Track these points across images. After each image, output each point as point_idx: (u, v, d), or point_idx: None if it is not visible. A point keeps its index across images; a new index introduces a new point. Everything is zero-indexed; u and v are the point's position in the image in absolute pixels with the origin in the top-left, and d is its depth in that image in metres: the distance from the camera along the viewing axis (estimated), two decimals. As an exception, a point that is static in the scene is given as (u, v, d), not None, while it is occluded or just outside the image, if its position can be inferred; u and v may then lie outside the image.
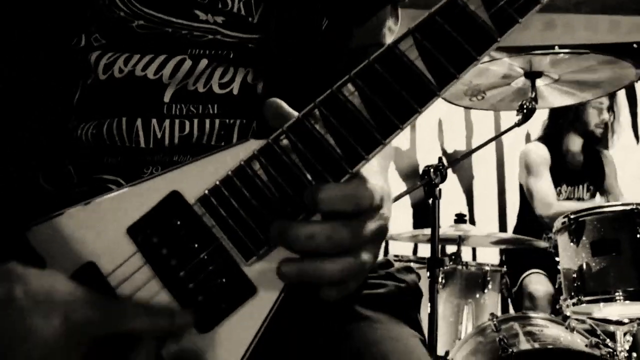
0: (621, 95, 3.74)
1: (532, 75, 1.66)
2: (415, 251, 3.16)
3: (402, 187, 3.52)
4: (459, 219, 2.11)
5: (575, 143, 2.64)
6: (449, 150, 3.71)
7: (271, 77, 0.71)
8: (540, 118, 2.80)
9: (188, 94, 0.67)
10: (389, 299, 0.75)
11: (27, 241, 0.50)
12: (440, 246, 2.91)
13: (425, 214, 3.38)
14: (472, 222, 3.57)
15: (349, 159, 0.50)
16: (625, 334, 1.82)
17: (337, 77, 0.54)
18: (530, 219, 2.59)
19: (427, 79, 0.52)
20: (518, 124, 1.57)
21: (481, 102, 1.88)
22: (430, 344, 1.48)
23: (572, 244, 1.76)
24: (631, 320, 1.81)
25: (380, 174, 0.60)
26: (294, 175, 0.50)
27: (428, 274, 1.53)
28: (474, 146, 3.68)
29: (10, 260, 0.45)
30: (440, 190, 1.46)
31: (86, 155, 0.66)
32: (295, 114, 0.52)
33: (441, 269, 2.05)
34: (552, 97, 1.77)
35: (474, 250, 3.36)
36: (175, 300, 0.50)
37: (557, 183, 2.58)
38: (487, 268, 2.15)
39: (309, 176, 0.50)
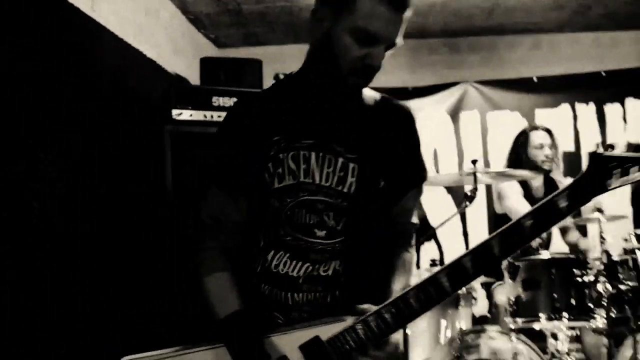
0: (593, 126, 4.34)
1: (474, 174, 2.35)
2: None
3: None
4: (433, 264, 2.80)
5: (536, 178, 3.24)
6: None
7: (348, 265, 1.34)
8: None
9: (310, 277, 1.32)
10: None
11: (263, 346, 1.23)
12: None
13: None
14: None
15: (384, 337, 1.19)
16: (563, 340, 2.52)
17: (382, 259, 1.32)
18: None
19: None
20: (465, 207, 2.26)
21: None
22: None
23: (510, 280, 2.46)
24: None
25: None
26: (363, 343, 1.19)
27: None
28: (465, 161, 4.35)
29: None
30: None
31: (268, 304, 1.36)
32: (372, 309, 1.19)
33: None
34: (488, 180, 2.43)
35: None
36: None
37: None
38: (459, 292, 2.84)
39: (368, 344, 1.18)
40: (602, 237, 2.35)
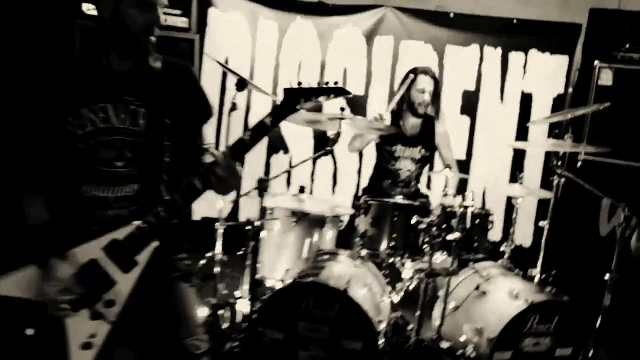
0: (496, 70, 4.55)
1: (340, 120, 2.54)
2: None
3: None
4: (301, 190, 3.04)
5: (411, 117, 3.43)
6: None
7: (144, 185, 1.74)
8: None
9: (117, 198, 1.73)
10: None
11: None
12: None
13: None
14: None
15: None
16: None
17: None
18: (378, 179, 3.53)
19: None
20: (327, 151, 2.46)
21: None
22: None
23: (363, 216, 2.76)
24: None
25: None
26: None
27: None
28: (370, 92, 4.52)
29: None
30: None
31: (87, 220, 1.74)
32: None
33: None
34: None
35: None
36: None
37: (395, 143, 3.39)
38: (326, 216, 3.14)
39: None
40: (444, 192, 2.65)
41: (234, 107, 3.19)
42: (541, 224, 3.09)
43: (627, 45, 3.87)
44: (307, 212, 3.02)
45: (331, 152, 2.46)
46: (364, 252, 2.74)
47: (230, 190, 1.75)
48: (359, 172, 4.56)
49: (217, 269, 3.33)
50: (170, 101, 1.75)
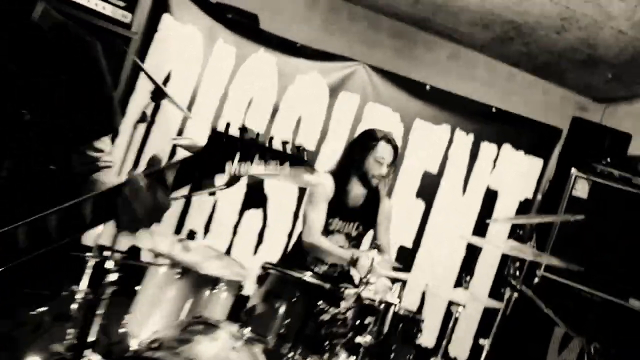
0: (464, 157, 4.09)
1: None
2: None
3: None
4: (189, 236, 2.40)
5: (358, 186, 2.84)
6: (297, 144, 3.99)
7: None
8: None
9: None
10: None
11: None
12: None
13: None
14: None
15: None
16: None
17: None
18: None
19: None
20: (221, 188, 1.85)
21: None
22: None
23: (257, 284, 2.11)
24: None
25: None
26: None
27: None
28: (322, 149, 3.98)
29: None
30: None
31: None
32: None
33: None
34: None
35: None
36: None
37: (332, 215, 2.78)
38: (223, 277, 2.47)
39: None
40: (365, 279, 2.01)
41: (142, 118, 2.60)
42: (481, 341, 2.51)
43: (608, 159, 3.46)
44: (189, 266, 2.36)
45: (215, 192, 1.86)
46: (246, 333, 2.06)
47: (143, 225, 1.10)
48: (290, 234, 3.93)
49: (73, 308, 2.63)
50: (46, 82, 1.12)
